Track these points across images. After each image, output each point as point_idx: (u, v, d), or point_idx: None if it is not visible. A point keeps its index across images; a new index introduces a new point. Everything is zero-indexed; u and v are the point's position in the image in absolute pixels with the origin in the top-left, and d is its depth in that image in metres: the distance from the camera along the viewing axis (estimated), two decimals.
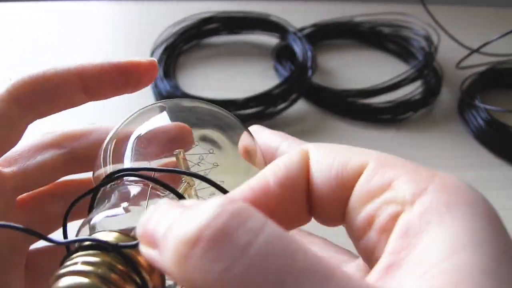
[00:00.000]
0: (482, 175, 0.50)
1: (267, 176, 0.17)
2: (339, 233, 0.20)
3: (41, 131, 0.25)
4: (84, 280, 0.15)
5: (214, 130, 0.23)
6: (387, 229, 0.15)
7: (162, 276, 0.17)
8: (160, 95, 0.57)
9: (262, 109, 0.55)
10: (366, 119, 0.57)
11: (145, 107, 0.24)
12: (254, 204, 0.15)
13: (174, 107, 0.25)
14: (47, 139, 0.25)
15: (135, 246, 0.16)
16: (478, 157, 0.53)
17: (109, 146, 0.22)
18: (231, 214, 0.13)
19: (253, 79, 0.61)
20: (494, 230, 0.14)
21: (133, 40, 0.69)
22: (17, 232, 0.23)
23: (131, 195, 0.20)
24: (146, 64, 0.25)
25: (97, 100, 0.25)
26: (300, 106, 0.58)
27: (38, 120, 0.24)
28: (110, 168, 0.21)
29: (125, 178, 0.20)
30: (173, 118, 0.23)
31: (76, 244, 0.17)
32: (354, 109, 0.57)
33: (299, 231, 0.22)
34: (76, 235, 0.19)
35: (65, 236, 0.21)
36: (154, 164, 0.21)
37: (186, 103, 0.27)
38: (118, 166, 0.21)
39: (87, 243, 0.17)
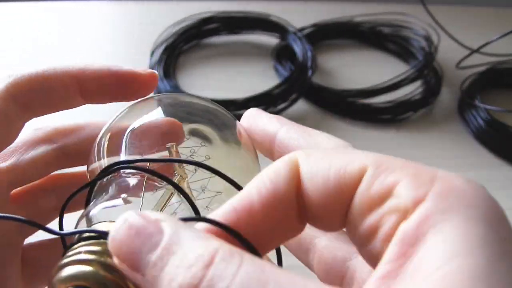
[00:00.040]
0: (482, 175, 0.50)
1: (251, 194, 0.16)
2: None
3: (34, 125, 0.26)
4: (87, 268, 0.16)
5: (205, 124, 0.23)
6: (391, 239, 0.15)
7: None
8: None
9: (262, 109, 0.55)
10: (366, 119, 0.57)
11: (138, 101, 0.24)
12: (237, 226, 0.16)
13: (167, 101, 0.25)
14: (40, 134, 0.25)
15: None
16: (478, 157, 0.53)
17: (103, 140, 0.22)
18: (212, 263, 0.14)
19: (253, 79, 0.61)
20: (492, 234, 0.14)
21: (133, 40, 0.69)
22: (11, 226, 0.23)
23: (129, 186, 0.20)
24: (146, 76, 0.25)
25: (94, 103, 0.25)
26: (300, 106, 0.58)
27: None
28: (105, 162, 0.21)
29: (121, 170, 0.20)
30: (165, 112, 0.23)
31: (76, 236, 0.17)
32: (354, 109, 0.57)
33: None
34: (75, 227, 0.19)
35: (61, 228, 0.21)
36: (148, 157, 0.22)
37: (181, 97, 0.27)
38: (113, 160, 0.21)
39: (87, 234, 0.17)
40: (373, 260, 0.16)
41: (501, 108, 0.54)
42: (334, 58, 0.66)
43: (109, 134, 0.22)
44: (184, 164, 0.21)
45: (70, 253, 0.16)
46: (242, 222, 0.16)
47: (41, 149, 0.25)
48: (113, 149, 0.22)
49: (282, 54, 0.63)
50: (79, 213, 0.20)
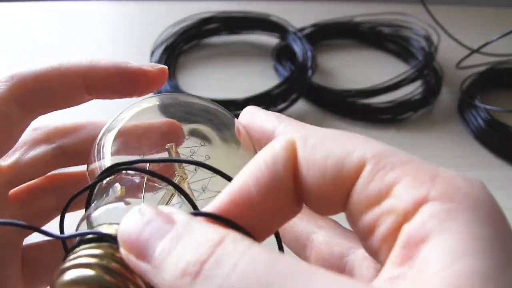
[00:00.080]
0: (482, 175, 0.50)
1: (248, 182, 0.16)
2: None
3: (33, 125, 0.25)
4: (89, 272, 0.16)
5: (204, 124, 0.23)
6: (388, 239, 0.15)
7: None
8: None
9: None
10: (366, 119, 0.57)
11: (138, 101, 0.24)
12: (236, 215, 0.16)
13: (167, 101, 0.25)
14: (39, 134, 0.25)
15: None
16: (478, 157, 0.53)
17: (103, 141, 0.22)
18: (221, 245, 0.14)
19: (253, 79, 0.61)
20: (498, 235, 0.14)
21: (133, 40, 0.69)
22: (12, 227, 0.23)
23: (130, 188, 0.20)
24: (155, 73, 0.25)
25: (100, 99, 0.25)
26: (300, 106, 0.58)
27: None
28: (104, 162, 0.21)
29: (122, 172, 0.20)
30: (165, 112, 0.23)
31: (78, 238, 0.17)
32: (354, 109, 0.57)
33: (309, 213, 0.22)
34: (76, 230, 0.19)
35: (61, 231, 0.21)
36: (148, 158, 0.21)
37: (181, 97, 0.27)
38: (113, 160, 0.21)
39: (88, 236, 0.17)
40: (373, 254, 0.16)
41: (501, 108, 0.54)
42: (334, 58, 0.66)
43: (109, 134, 0.22)
44: (184, 165, 0.21)
45: (72, 256, 0.16)
46: (241, 211, 0.16)
47: (41, 149, 0.25)
48: (113, 149, 0.22)
49: (282, 54, 0.63)
50: (79, 213, 0.20)
